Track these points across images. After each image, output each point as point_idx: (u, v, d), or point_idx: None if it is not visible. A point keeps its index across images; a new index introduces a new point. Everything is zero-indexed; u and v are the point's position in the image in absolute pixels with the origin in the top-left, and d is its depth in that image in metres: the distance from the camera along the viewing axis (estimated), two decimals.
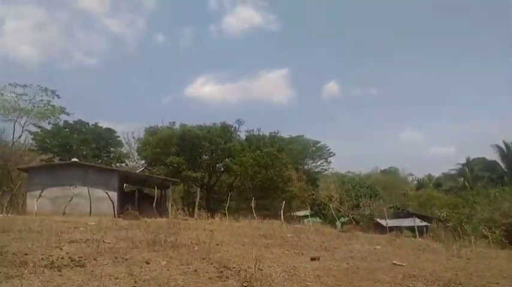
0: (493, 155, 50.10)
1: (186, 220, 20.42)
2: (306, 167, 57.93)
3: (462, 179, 56.69)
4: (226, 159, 32.92)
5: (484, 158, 53.84)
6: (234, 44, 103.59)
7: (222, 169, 34.49)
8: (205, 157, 34.00)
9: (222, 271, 6.06)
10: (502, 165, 48.88)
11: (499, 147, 48.80)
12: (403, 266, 7.77)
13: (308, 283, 5.60)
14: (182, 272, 5.95)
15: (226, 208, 27.33)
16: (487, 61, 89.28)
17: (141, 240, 8.89)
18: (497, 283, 6.51)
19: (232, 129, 34.32)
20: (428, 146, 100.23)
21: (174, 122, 34.95)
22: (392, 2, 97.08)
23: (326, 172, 63.62)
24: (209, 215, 27.29)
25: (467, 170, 56.52)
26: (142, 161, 37.01)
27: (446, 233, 22.37)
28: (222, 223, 18.62)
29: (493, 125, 77.63)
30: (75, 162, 24.59)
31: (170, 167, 31.90)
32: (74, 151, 40.68)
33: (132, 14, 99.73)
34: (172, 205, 28.68)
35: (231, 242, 10.07)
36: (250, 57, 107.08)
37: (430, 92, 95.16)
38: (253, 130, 36.00)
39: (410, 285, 5.91)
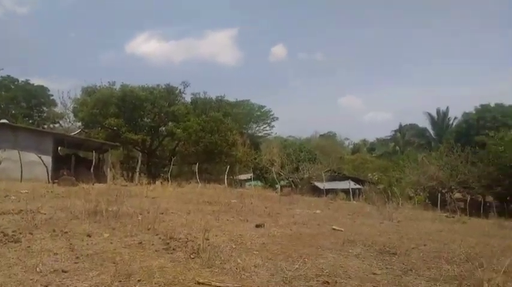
0: (424, 123, 54.01)
1: (126, 186, 19.88)
2: (250, 131, 58.56)
3: (393, 144, 60.66)
4: (170, 123, 32.16)
5: (416, 125, 57.91)
6: None
7: (165, 133, 33.70)
8: (148, 120, 32.90)
9: (168, 243, 6.00)
10: (432, 132, 52.91)
11: (430, 114, 52.58)
12: (342, 231, 8.24)
13: (255, 252, 5.75)
14: (126, 245, 5.81)
15: (168, 172, 26.98)
16: (430, 29, 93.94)
17: (81, 210, 8.51)
18: (425, 245, 7.14)
19: (177, 91, 33.32)
20: (367, 111, 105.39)
21: (114, 82, 33.21)
22: None
23: (269, 136, 64.88)
24: (150, 180, 26.84)
25: (399, 135, 60.57)
26: (79, 123, 35.03)
27: (377, 195, 23.95)
28: (164, 189, 18.41)
29: (430, 93, 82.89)
30: (3, 123, 22.67)
31: (109, 129, 30.56)
32: (2, 109, 37.48)
33: None
34: (110, 170, 27.75)
35: (175, 210, 10.00)
36: (198, 14, 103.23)
37: (372, 59, 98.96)
38: (199, 93, 35.31)
39: (350, 250, 6.29)
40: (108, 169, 26.95)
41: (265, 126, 63.85)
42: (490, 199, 29.62)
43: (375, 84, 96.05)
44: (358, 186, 31.89)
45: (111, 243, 5.85)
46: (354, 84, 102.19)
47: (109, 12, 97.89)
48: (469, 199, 27.58)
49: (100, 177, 23.80)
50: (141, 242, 5.96)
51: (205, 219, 8.41)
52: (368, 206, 17.27)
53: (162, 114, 32.04)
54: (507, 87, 78.34)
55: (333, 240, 7.10)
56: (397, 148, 56.36)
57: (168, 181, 25.87)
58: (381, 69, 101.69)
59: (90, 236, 6.21)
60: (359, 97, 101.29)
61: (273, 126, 64.59)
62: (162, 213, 9.21)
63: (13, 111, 37.31)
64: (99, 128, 30.81)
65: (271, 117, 64.00)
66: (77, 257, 4.94)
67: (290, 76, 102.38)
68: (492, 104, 38.51)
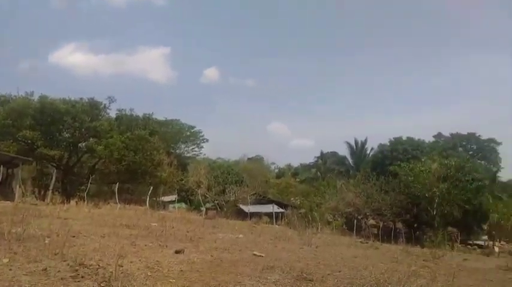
0: (344, 151, 57.28)
1: (36, 204, 18.24)
2: (178, 151, 57.40)
3: (315, 170, 63.35)
4: (91, 139, 30.36)
5: (336, 153, 61.14)
6: (115, 13, 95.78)
7: (85, 149, 31.69)
8: (67, 135, 30.70)
9: (76, 270, 5.56)
10: (350, 160, 56.19)
11: (349, 144, 55.95)
12: (262, 256, 8.31)
13: (171, 280, 5.56)
14: (28, 271, 5.28)
15: (85, 192, 25.28)
16: (353, 67, 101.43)
17: None
18: (340, 272, 7.46)
19: (102, 106, 31.63)
20: (292, 138, 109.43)
21: (32, 92, 30.58)
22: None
23: (197, 157, 64.10)
24: (65, 199, 24.89)
25: (321, 162, 63.54)
26: None
27: (298, 219, 24.65)
28: (79, 210, 17.23)
29: (348, 124, 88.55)
30: None
31: (22, 142, 28.03)
32: None
33: None
34: (20, 186, 25.29)
35: (89, 234, 9.36)
36: (132, 30, 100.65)
37: (298, 88, 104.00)
38: (125, 109, 33.82)
39: (269, 277, 6.35)
40: (18, 186, 24.52)
41: (194, 147, 63.10)
42: (400, 225, 31.95)
43: (300, 113, 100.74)
44: (281, 210, 32.62)
45: (10, 270, 5.28)
46: (282, 112, 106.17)
47: (34, 20, 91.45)
48: (381, 225, 29.57)
49: (7, 194, 21.56)
50: (45, 269, 5.45)
51: (121, 244, 7.97)
52: (290, 231, 17.69)
53: (83, 130, 30.14)
54: (418, 122, 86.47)
55: (252, 266, 7.12)
56: (319, 173, 58.82)
57: (85, 200, 24.23)
58: (306, 98, 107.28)
59: None
60: (286, 124, 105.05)
61: (202, 147, 64.07)
62: (74, 236, 8.57)
63: None
64: (11, 141, 28.12)
65: (201, 138, 63.48)
66: None
67: (221, 99, 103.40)
68: (404, 137, 42.18)
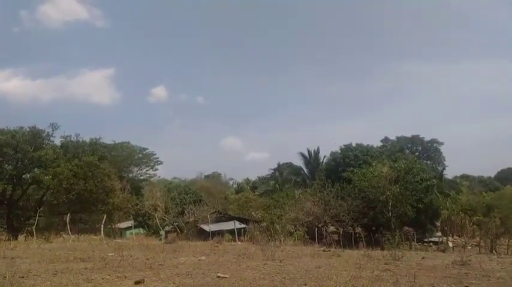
0: (299, 161, 58.09)
1: None
2: (130, 175, 55.58)
3: (273, 182, 63.77)
4: (36, 169, 28.61)
5: (291, 163, 61.91)
6: (52, 36, 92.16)
7: (30, 181, 29.76)
8: (9, 167, 28.71)
9: None
10: (305, 170, 57.01)
11: (303, 154, 56.85)
12: (227, 278, 8.13)
13: None
14: None
15: (34, 226, 23.75)
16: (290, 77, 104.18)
17: None
18: (305, 285, 7.45)
19: (45, 134, 29.95)
20: (247, 152, 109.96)
21: None
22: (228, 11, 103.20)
23: (152, 179, 62.39)
24: (11, 236, 23.19)
25: (278, 174, 64.13)
26: None
27: (261, 233, 24.49)
28: (28, 246, 16.13)
29: (301, 134, 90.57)
30: None
31: None
32: None
33: None
34: None
35: (39, 272, 8.72)
36: (71, 52, 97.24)
37: (247, 104, 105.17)
38: (70, 136, 32.20)
39: None
40: None
41: (148, 169, 61.37)
42: (359, 230, 32.70)
43: (253, 127, 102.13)
44: (243, 225, 32.35)
45: None
46: (234, 127, 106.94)
47: None
48: (341, 231, 30.08)
49: None
50: None
51: (75, 280, 7.49)
52: (253, 246, 17.54)
53: (26, 160, 28.29)
54: (366, 129, 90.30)
55: None
56: (277, 185, 59.17)
57: (33, 235, 22.72)
58: (258, 112, 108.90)
59: None
60: (239, 139, 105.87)
61: (156, 169, 62.48)
62: (22, 277, 7.94)
63: None
64: None
65: (154, 160, 61.94)
66: None
67: (172, 117, 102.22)
68: (354, 144, 43.56)
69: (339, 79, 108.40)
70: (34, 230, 23.39)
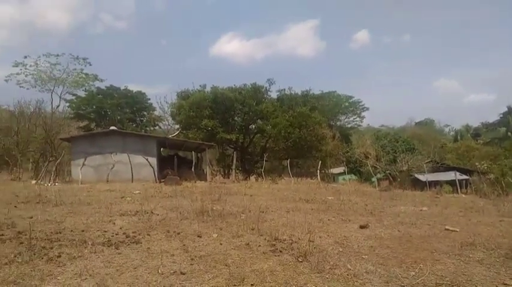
0: None
1: (225, 183, 20.77)
2: (338, 123, 57.17)
3: (504, 128, 54.31)
4: (259, 120, 32.89)
5: None
6: None
7: (255, 131, 34.51)
8: (238, 119, 34.02)
9: (274, 244, 6.04)
10: None
11: None
12: (457, 231, 7.53)
13: (364, 256, 5.50)
14: (235, 246, 5.98)
15: (261, 170, 27.57)
16: None
17: (189, 210, 9.05)
18: None
19: (263, 89, 33.87)
20: (467, 94, 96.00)
21: (205, 85, 34.96)
22: None
23: (359, 127, 62.61)
24: (245, 176, 27.70)
25: (510, 119, 54.07)
26: (177, 125, 37.54)
27: (488, 187, 21.68)
28: (260, 186, 18.83)
29: None
30: (113, 130, 25.15)
31: (205, 130, 32.19)
32: (109, 115, 41.80)
33: None
34: (209, 167, 29.21)
35: (275, 209, 10.09)
36: (277, 9, 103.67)
37: (465, 37, 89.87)
38: (284, 89, 35.44)
39: (471, 255, 5.69)
40: (207, 167, 28.38)
41: (355, 117, 61.66)
42: None
43: (473, 64, 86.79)
44: (464, 177, 29.14)
45: (221, 244, 6.07)
46: (449, 67, 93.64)
47: (194, 18, 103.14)
48: None
49: (200, 175, 25.16)
50: (248, 244, 6.09)
51: (307, 219, 8.32)
52: (480, 201, 15.63)
53: (251, 113, 32.83)
54: None
55: (448, 243, 6.50)
56: (509, 133, 50.23)
57: (262, 177, 26.44)
58: (478, 46, 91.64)
59: (200, 237, 6.53)
60: (456, 79, 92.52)
61: (363, 117, 62.14)
62: (263, 212, 9.34)
63: (118, 117, 41.38)
64: (196, 129, 32.60)
65: (360, 107, 61.59)
66: (192, 259, 5.21)
67: (376, 62, 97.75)
68: None
69: None
70: (262, 172, 27.15)
